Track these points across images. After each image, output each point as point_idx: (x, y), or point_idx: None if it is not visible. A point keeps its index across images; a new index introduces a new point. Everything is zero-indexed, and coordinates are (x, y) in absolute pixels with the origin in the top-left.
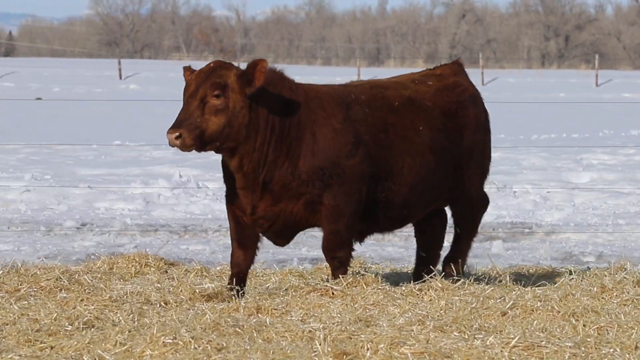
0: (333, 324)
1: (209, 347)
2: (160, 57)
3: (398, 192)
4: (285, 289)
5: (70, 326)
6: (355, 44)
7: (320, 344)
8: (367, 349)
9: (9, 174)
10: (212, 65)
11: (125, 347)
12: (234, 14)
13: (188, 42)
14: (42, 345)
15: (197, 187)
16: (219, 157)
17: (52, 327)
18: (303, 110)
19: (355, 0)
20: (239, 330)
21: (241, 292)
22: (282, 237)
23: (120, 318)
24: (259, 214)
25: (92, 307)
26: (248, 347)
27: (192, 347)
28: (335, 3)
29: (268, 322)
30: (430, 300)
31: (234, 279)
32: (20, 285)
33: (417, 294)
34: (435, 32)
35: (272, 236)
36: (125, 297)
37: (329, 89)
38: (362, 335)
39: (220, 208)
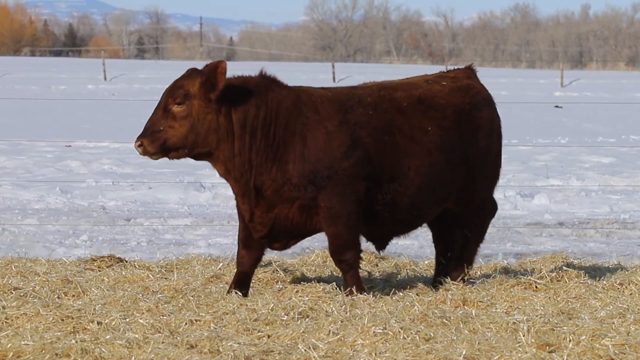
0: (536, 316)
1: (417, 338)
2: (371, 61)
3: (405, 193)
4: (490, 283)
5: (286, 316)
6: (558, 47)
7: (524, 336)
8: (569, 341)
9: None
10: (184, 73)
11: (338, 337)
12: (442, 20)
13: (398, 46)
14: (260, 334)
15: None
16: None
17: (269, 317)
18: (292, 114)
19: (559, 5)
20: (446, 322)
21: (243, 292)
22: (279, 241)
23: (333, 309)
24: (256, 220)
25: (307, 298)
26: (454, 338)
27: (401, 337)
28: (540, 8)
29: (474, 314)
30: (630, 294)
31: (237, 279)
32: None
33: (618, 288)
34: (636, 36)
35: (269, 242)
36: (337, 289)
37: (328, 93)
38: (564, 328)
39: None
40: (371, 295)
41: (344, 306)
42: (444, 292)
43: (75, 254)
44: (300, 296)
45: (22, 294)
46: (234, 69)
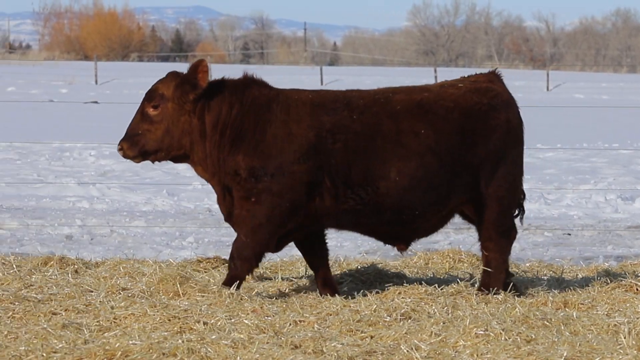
0: (637, 318)
1: (519, 339)
2: (473, 65)
3: (388, 194)
4: (591, 285)
5: (388, 317)
6: None
7: (624, 338)
8: None
9: None
10: (163, 77)
11: (440, 338)
12: (544, 25)
13: (500, 51)
14: (363, 334)
15: None
16: None
17: (372, 318)
18: (262, 110)
19: None
20: (547, 324)
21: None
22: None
23: (435, 310)
24: (233, 220)
25: (409, 299)
26: (556, 340)
27: (503, 338)
28: None
29: (575, 316)
30: None
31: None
32: (342, 278)
33: None
34: None
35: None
36: (440, 290)
37: (310, 95)
38: None
39: (530, 208)
40: (473, 297)
41: (445, 308)
42: (545, 294)
43: (181, 255)
44: (402, 297)
45: (130, 295)
46: (337, 74)
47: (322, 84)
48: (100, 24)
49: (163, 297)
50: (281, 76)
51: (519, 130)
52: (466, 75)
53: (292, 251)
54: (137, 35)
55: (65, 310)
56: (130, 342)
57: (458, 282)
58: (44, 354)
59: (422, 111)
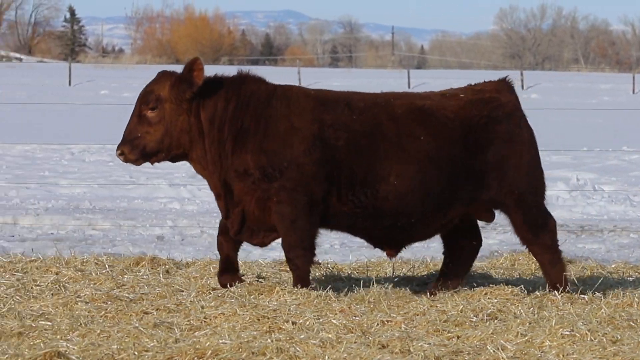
0: None
1: (605, 340)
2: (560, 69)
3: (386, 198)
4: None
5: (475, 317)
6: None
7: None
8: None
9: None
10: (154, 78)
11: (526, 338)
12: (630, 28)
13: (586, 54)
14: (449, 334)
15: (594, 190)
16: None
17: (458, 318)
18: (262, 105)
19: None
20: (633, 324)
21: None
22: (255, 237)
23: (522, 311)
24: (231, 217)
25: (496, 300)
26: None
27: (589, 339)
28: None
29: None
30: None
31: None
32: (428, 279)
33: None
34: None
35: (247, 237)
36: (525, 291)
37: (311, 91)
38: None
39: (616, 209)
40: (559, 298)
41: (532, 308)
42: (631, 295)
43: (270, 255)
44: (489, 298)
45: (220, 294)
46: (424, 77)
47: (409, 87)
48: (192, 28)
49: (252, 297)
50: (369, 79)
51: (524, 138)
52: (473, 83)
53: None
54: (227, 39)
55: (157, 309)
56: (220, 341)
57: (544, 283)
58: (136, 353)
59: (424, 116)
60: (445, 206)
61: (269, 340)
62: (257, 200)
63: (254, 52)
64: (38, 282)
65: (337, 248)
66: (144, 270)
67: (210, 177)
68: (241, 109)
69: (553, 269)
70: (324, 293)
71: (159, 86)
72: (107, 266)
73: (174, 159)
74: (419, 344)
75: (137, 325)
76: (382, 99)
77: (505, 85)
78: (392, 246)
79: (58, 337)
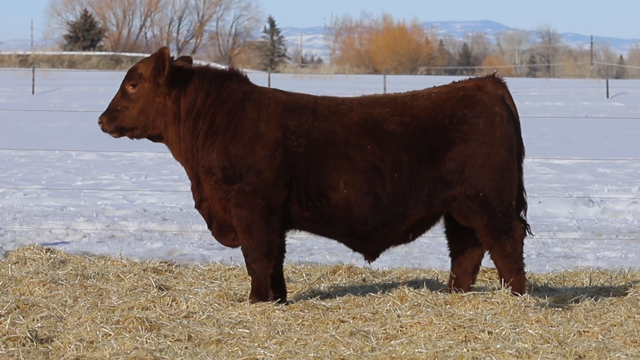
0: None
1: None
2: None
3: (338, 206)
4: None
5: None
6: None
7: None
8: None
9: (618, 187)
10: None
11: None
12: None
13: None
14: None
15: None
16: None
17: None
18: (236, 107)
19: None
20: None
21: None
22: (223, 236)
23: None
24: (201, 208)
25: None
26: None
27: None
28: None
29: None
30: None
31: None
32: (626, 290)
33: None
34: None
35: (216, 235)
36: None
37: (284, 97)
38: None
39: None
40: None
41: None
42: None
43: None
44: None
45: (416, 304)
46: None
47: (607, 97)
48: (390, 38)
49: (448, 306)
50: (567, 89)
51: (495, 138)
52: (460, 80)
53: (577, 262)
54: (425, 49)
55: (353, 318)
56: (416, 350)
57: None
58: None
59: (373, 126)
60: (404, 210)
61: (464, 350)
62: (219, 200)
63: (452, 62)
64: (236, 290)
65: (533, 258)
66: (341, 278)
67: (185, 165)
68: (217, 105)
69: (510, 278)
70: (520, 303)
71: (144, 65)
72: (304, 274)
73: (151, 139)
74: (617, 355)
75: (333, 333)
76: (346, 105)
77: (488, 83)
78: (363, 252)
79: (256, 344)
